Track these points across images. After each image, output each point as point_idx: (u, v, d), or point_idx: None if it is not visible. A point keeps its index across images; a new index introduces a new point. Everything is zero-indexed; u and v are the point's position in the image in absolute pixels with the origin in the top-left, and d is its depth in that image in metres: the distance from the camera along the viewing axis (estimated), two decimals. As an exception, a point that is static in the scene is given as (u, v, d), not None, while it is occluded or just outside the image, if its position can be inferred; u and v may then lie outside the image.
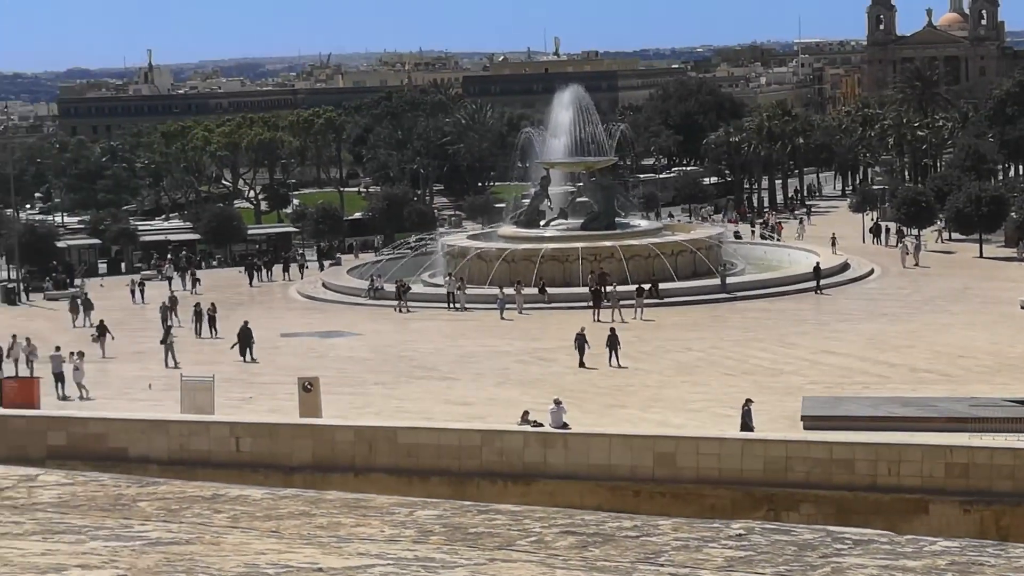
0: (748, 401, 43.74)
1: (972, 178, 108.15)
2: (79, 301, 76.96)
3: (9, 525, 5.07)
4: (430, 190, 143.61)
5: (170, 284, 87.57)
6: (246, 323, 63.85)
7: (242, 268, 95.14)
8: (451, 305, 76.22)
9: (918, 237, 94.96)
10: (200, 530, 5.11)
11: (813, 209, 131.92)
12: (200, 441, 39.44)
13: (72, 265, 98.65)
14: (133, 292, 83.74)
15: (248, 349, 62.43)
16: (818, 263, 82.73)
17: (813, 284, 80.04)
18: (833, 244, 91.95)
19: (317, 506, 6.06)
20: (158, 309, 72.40)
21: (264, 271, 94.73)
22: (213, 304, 71.18)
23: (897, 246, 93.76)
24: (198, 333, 68.35)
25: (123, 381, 57.99)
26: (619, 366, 57.92)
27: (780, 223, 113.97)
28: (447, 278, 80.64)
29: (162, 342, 61.75)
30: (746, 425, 42.45)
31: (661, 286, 77.01)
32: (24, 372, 56.51)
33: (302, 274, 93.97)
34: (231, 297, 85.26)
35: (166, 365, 59.89)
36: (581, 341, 58.48)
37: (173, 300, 74.22)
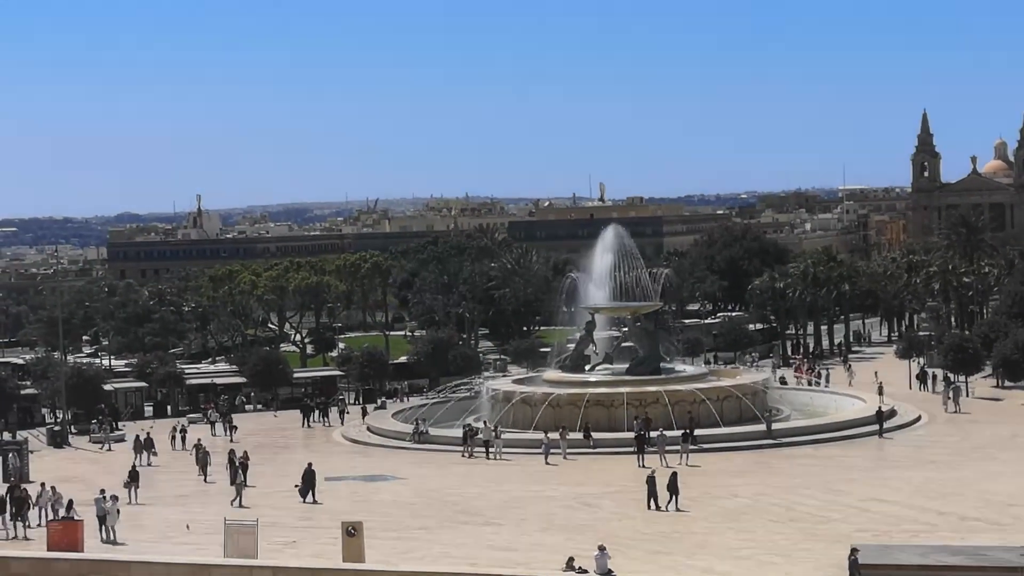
0: (854, 551, 43.04)
1: (1019, 324, 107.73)
2: (142, 440, 77.91)
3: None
4: (475, 334, 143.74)
5: (212, 429, 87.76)
6: (310, 465, 64.22)
7: (298, 411, 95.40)
8: (488, 454, 75.46)
9: (954, 382, 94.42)
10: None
11: (861, 355, 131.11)
12: (243, 585, 39.29)
13: (118, 408, 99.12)
14: (173, 438, 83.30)
15: (311, 491, 62.57)
16: (880, 407, 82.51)
17: (864, 430, 79.80)
18: (880, 392, 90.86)
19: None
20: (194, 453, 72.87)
21: (317, 414, 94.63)
22: (246, 452, 70.81)
23: (942, 392, 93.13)
24: (233, 481, 67.44)
25: (166, 524, 57.85)
26: (677, 509, 57.87)
27: (811, 368, 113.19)
28: (483, 425, 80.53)
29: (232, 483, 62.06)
30: None
31: (706, 432, 76.70)
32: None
33: (342, 419, 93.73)
34: (276, 440, 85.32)
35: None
36: (652, 484, 58.60)
37: (200, 449, 73.65)
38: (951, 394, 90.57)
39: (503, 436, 76.81)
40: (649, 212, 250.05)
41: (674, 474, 60.18)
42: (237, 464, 66.82)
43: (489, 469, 71.90)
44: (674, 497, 58.46)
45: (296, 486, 63.20)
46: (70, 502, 55.68)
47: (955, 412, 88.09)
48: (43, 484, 61.20)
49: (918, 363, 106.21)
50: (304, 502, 62.08)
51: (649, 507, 58.25)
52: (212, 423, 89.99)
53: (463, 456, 75.22)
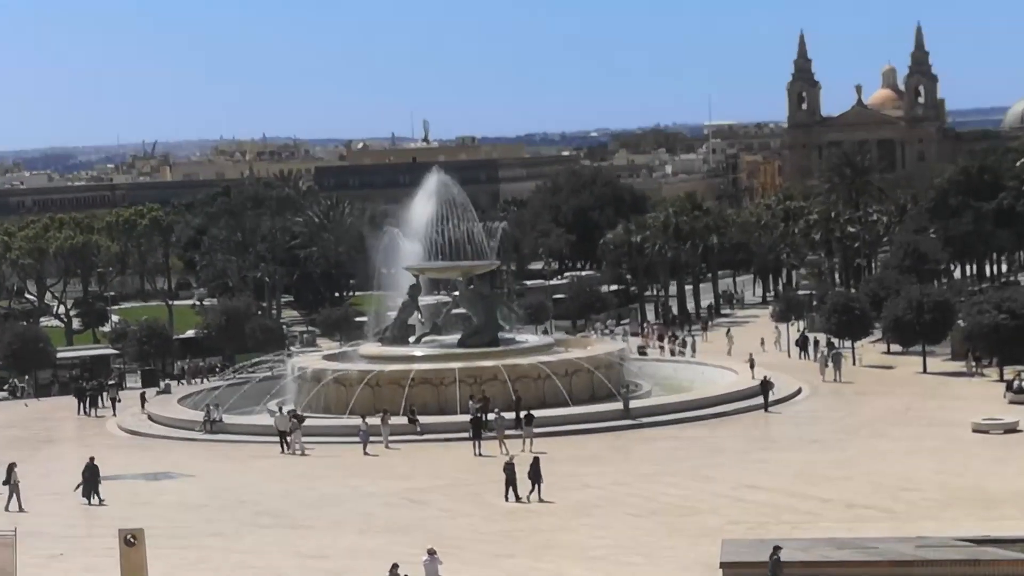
0: (777, 549, 43.23)
1: (913, 281, 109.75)
2: None
3: None
4: (277, 302, 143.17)
5: None
6: (92, 460, 63.02)
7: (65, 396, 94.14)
8: (283, 448, 74.39)
9: (836, 348, 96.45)
10: None
11: (732, 319, 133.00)
12: (0, 608, 38.80)
13: None
14: None
15: (95, 490, 61.76)
16: (766, 377, 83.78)
17: (736, 406, 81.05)
18: (751, 365, 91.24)
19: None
20: None
21: (89, 400, 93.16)
22: None
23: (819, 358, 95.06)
24: None
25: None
26: (540, 500, 58.47)
27: (664, 335, 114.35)
28: (277, 414, 79.93)
29: None
30: None
31: (553, 412, 77.22)
32: None
33: (114, 407, 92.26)
34: (38, 433, 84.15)
35: None
36: (511, 472, 59.14)
37: None
38: (831, 361, 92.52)
39: (307, 423, 76.58)
40: (482, 154, 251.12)
41: (535, 459, 60.49)
42: None
43: (297, 463, 71.57)
44: (536, 486, 58.96)
45: (78, 486, 62.15)
46: None
47: (835, 381, 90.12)
48: None
49: (797, 327, 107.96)
50: (89, 504, 61.23)
51: (507, 499, 58.71)
52: None
53: (476, 451, 72.26)
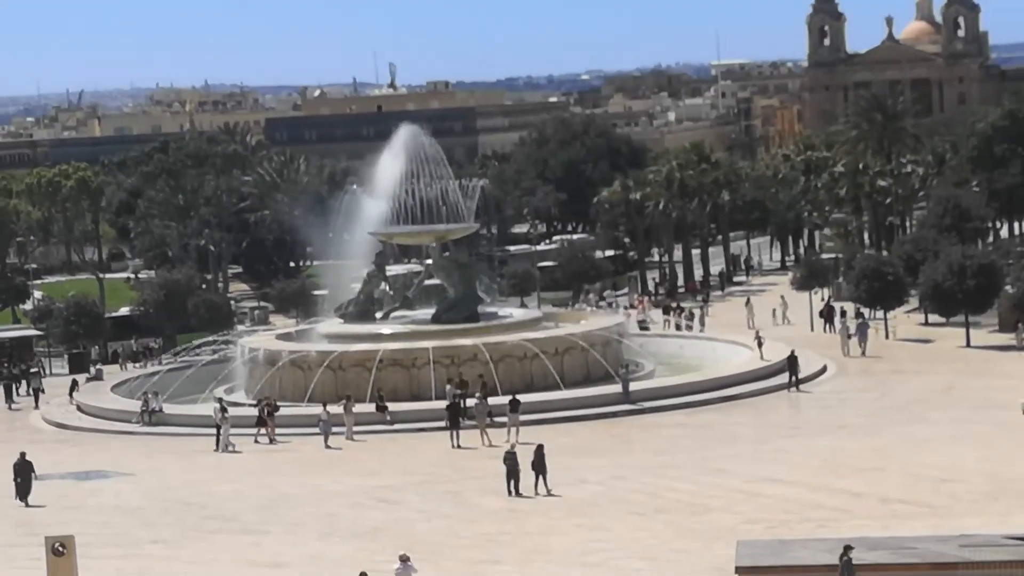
0: (848, 548, 43.24)
1: (954, 241, 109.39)
2: None
3: None
4: (224, 274, 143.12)
5: None
6: (23, 455, 63.69)
7: None
8: (217, 445, 74.11)
9: (864, 319, 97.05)
10: None
11: (747, 287, 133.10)
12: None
13: None
14: None
15: (27, 491, 62.30)
16: (793, 351, 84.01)
17: (752, 387, 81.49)
18: (760, 344, 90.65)
19: None
20: None
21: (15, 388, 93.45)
22: None
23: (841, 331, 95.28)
24: None
25: None
26: (549, 493, 59.19)
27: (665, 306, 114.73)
28: (215, 408, 78.61)
29: None
30: None
31: (542, 397, 77.36)
32: None
33: (36, 398, 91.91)
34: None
35: None
36: (513, 462, 59.83)
37: None
38: (856, 332, 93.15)
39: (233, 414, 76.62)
40: (458, 102, 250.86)
41: (539, 447, 61.04)
42: None
43: (249, 458, 71.65)
44: (541, 477, 59.65)
45: (16, 481, 62.73)
46: None
47: (861, 356, 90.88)
48: None
49: (821, 296, 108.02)
50: (25, 505, 61.77)
51: (510, 493, 59.20)
52: None
53: (453, 442, 72.17)
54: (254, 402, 79.51)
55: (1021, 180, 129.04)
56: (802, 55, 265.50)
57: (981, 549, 45.22)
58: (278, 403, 78.31)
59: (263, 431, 74.93)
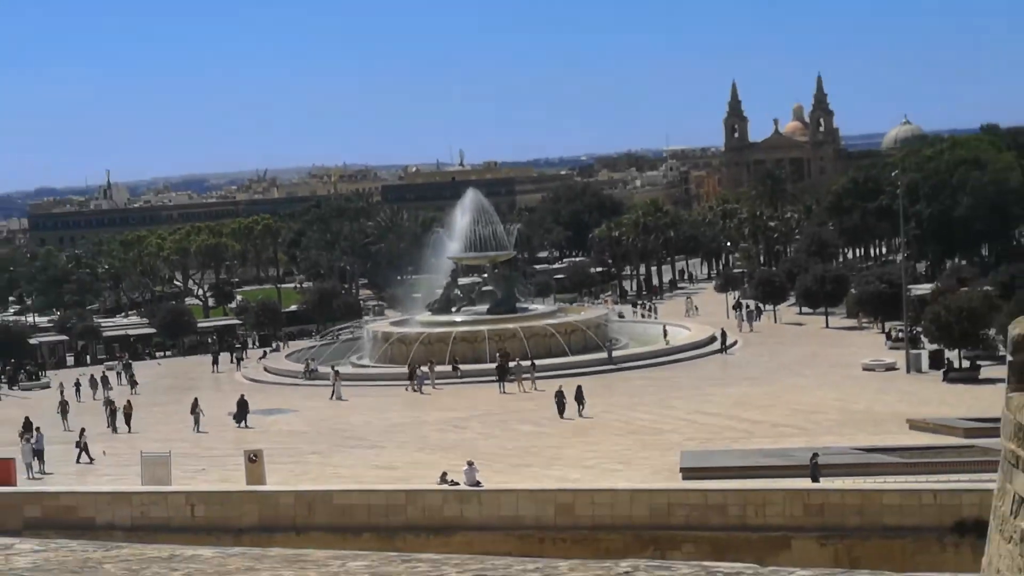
0: (815, 455, 42.20)
1: (817, 261, 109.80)
2: (98, 378, 79.27)
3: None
4: (356, 284, 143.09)
5: (118, 379, 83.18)
6: (243, 396, 65.67)
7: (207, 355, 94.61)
8: (332, 393, 72.67)
9: (750, 307, 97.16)
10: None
11: (685, 290, 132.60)
12: (159, 509, 38.89)
13: (44, 360, 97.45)
14: (78, 388, 78.56)
15: (244, 418, 63.37)
16: (723, 329, 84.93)
17: (690, 354, 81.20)
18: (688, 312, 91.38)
19: (261, 562, 5.98)
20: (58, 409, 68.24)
21: (223, 357, 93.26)
22: (129, 402, 67.45)
23: (746, 320, 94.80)
24: (115, 429, 63.39)
25: (79, 465, 56.72)
26: (582, 416, 59.87)
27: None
28: (316, 370, 79.11)
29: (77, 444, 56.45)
30: (815, 477, 40.78)
31: (556, 360, 77.30)
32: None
33: (239, 365, 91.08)
34: (184, 383, 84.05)
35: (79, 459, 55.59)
36: (561, 397, 60.41)
37: (64, 404, 69.08)
38: (746, 316, 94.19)
39: (382, 371, 76.52)
40: (503, 175, 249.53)
41: (579, 387, 61.64)
42: (117, 412, 64.82)
43: (373, 400, 71.59)
44: (580, 406, 60.48)
45: (230, 413, 63.77)
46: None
47: (747, 331, 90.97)
48: None
49: (733, 295, 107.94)
50: (240, 426, 62.52)
51: (562, 417, 59.42)
52: (118, 373, 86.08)
53: (502, 390, 71.46)
54: (376, 364, 79.30)
55: (860, 222, 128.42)
56: (721, 143, 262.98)
57: (837, 455, 45.02)
58: (391, 363, 78.25)
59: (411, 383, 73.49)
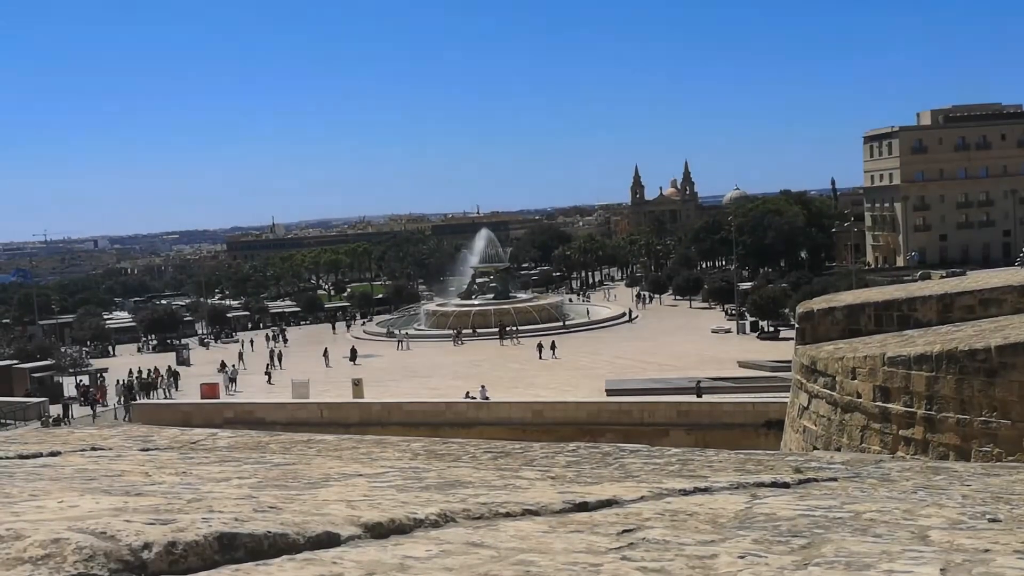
0: (699, 382, 41.34)
1: (686, 269, 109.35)
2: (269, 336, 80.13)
3: (200, 458, 4.95)
4: (416, 282, 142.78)
5: (276, 341, 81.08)
6: (353, 348, 65.33)
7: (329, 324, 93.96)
8: (399, 345, 72.01)
9: (645, 297, 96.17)
10: (300, 458, 5.02)
11: (609, 287, 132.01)
12: (302, 413, 38.80)
13: (235, 326, 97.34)
14: (252, 343, 77.27)
15: (354, 359, 63.15)
16: (630, 309, 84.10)
17: (612, 323, 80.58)
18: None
19: (361, 443, 5.99)
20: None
21: (341, 324, 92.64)
22: (280, 352, 67.57)
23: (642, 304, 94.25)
24: (270, 369, 60.70)
25: (256, 387, 56.63)
26: (554, 357, 59.27)
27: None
28: (395, 332, 77.53)
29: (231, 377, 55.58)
30: (698, 393, 39.52)
31: (530, 327, 76.74)
32: (162, 397, 51.52)
33: (348, 328, 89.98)
34: (315, 340, 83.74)
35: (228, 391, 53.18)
36: (540, 347, 60.39)
37: (241, 356, 66.66)
38: (638, 300, 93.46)
39: (428, 334, 75.82)
40: (503, 219, 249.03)
41: (552, 341, 62.04)
42: (273, 359, 64.40)
43: (426, 350, 71.23)
44: (553, 352, 60.51)
45: (345, 357, 63.66)
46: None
47: (643, 310, 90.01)
48: (157, 369, 58.48)
49: (635, 289, 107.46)
50: (353, 364, 61.74)
51: (540, 359, 58.73)
52: (276, 334, 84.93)
53: (501, 344, 70.06)
54: (428, 329, 78.59)
55: (709, 247, 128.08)
56: (629, 200, 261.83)
57: (705, 382, 44.85)
58: (435, 327, 77.76)
59: (502, 339, 71.92)
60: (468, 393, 42.71)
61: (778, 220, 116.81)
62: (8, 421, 41.08)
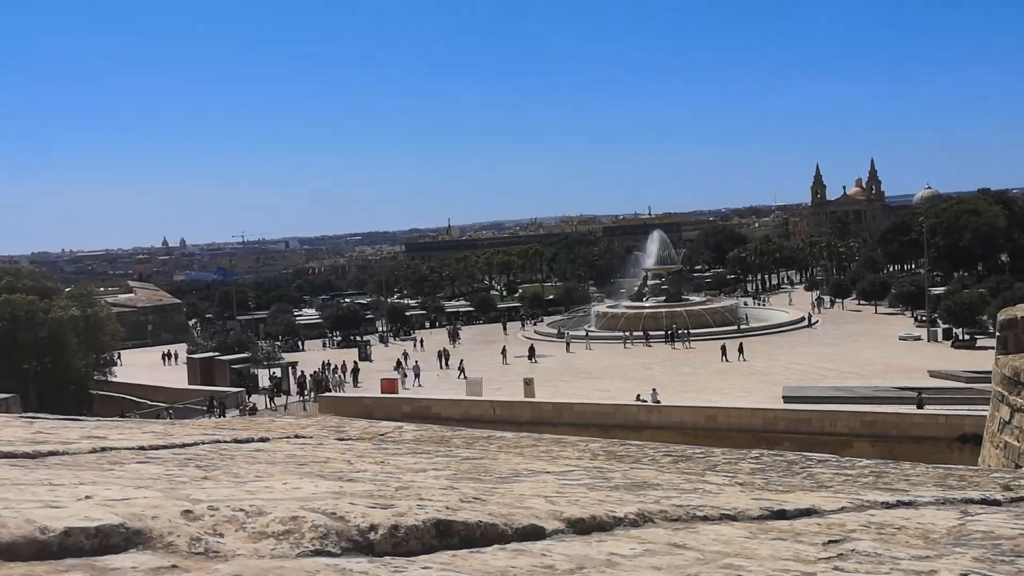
0: (920, 391, 39.11)
1: (871, 272, 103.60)
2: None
3: (393, 449, 5.21)
4: (587, 284, 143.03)
5: (451, 339, 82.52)
6: (532, 346, 66.20)
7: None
8: (567, 345, 71.33)
9: (822, 300, 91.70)
10: (484, 453, 5.19)
11: (787, 291, 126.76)
12: (476, 410, 39.87)
13: (413, 324, 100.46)
14: (423, 342, 78.42)
15: (532, 356, 64.01)
16: (810, 314, 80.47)
17: (789, 328, 77.58)
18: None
19: (539, 441, 6.11)
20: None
21: (512, 323, 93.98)
22: (447, 350, 68.54)
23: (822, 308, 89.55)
24: (442, 367, 62.18)
25: (431, 383, 58.49)
26: (741, 359, 58.13)
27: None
28: (565, 333, 76.87)
29: (406, 372, 57.27)
30: (920, 404, 37.18)
31: (704, 330, 74.94)
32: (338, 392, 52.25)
33: (522, 327, 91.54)
34: (488, 339, 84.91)
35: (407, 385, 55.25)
36: (724, 351, 58.66)
37: (405, 354, 67.02)
38: (818, 305, 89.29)
39: (593, 335, 75.66)
40: (675, 220, 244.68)
41: (740, 343, 60.70)
42: (441, 359, 65.38)
43: (596, 351, 71.18)
44: (740, 354, 59.00)
45: (521, 356, 64.48)
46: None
47: (823, 314, 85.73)
48: (331, 364, 61.13)
49: (815, 293, 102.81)
50: (531, 361, 62.58)
51: (723, 361, 57.51)
52: (450, 333, 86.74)
53: (624, 347, 69.99)
54: (599, 330, 78.41)
55: (898, 249, 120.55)
56: (808, 200, 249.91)
57: (882, 391, 42.40)
58: (605, 329, 77.58)
59: (624, 341, 71.88)
60: (639, 396, 42.36)
61: (975, 221, 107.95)
62: (201, 407, 44.86)
